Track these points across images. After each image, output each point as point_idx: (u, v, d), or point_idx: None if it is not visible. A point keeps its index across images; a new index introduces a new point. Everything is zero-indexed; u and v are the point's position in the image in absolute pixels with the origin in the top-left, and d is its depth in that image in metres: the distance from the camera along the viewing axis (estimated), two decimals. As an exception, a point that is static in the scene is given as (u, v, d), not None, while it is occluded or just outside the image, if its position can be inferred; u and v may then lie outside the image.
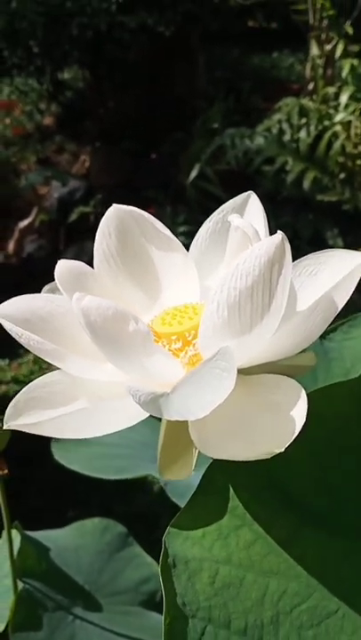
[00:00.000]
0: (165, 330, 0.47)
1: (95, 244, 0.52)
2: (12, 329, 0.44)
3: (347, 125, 2.84)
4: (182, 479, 0.45)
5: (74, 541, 1.11)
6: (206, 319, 0.42)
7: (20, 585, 0.93)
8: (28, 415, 0.43)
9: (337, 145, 2.77)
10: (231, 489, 0.46)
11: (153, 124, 3.76)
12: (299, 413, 0.40)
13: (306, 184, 2.80)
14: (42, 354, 0.45)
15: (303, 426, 0.40)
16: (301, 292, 0.47)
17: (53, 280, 0.49)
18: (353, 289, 0.46)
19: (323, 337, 0.72)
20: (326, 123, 2.85)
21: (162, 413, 0.39)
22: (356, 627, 0.45)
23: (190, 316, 0.48)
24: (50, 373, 0.47)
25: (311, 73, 3.30)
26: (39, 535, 1.09)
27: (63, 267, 0.48)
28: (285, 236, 0.40)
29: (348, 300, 0.46)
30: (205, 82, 4.01)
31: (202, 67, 4.00)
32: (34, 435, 0.42)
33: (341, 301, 0.45)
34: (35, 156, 3.65)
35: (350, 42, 3.10)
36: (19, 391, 0.45)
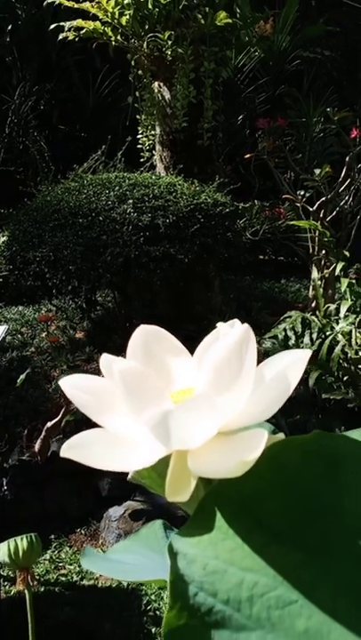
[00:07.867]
0: (173, 400, 0.68)
1: (127, 352, 0.75)
2: (68, 390, 0.65)
3: (347, 335, 3.17)
4: (183, 501, 0.62)
5: None
6: (200, 382, 0.63)
7: None
8: (74, 449, 0.63)
9: (338, 350, 3.08)
10: (218, 513, 0.63)
11: (174, 336, 4.14)
12: (263, 440, 0.60)
13: (311, 382, 3.07)
14: (85, 408, 0.65)
15: (264, 454, 0.59)
16: (267, 377, 0.69)
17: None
18: (302, 370, 0.67)
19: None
20: (328, 332, 3.20)
21: (169, 434, 0.58)
22: (312, 613, 0.59)
23: (191, 392, 0.69)
24: (92, 429, 0.67)
25: (313, 292, 3.75)
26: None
27: (106, 359, 0.70)
28: (249, 326, 0.63)
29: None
30: (220, 302, 4.49)
31: (217, 289, 4.52)
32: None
33: (293, 380, 0.66)
34: (65, 364, 4.00)
35: (347, 264, 3.59)
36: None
